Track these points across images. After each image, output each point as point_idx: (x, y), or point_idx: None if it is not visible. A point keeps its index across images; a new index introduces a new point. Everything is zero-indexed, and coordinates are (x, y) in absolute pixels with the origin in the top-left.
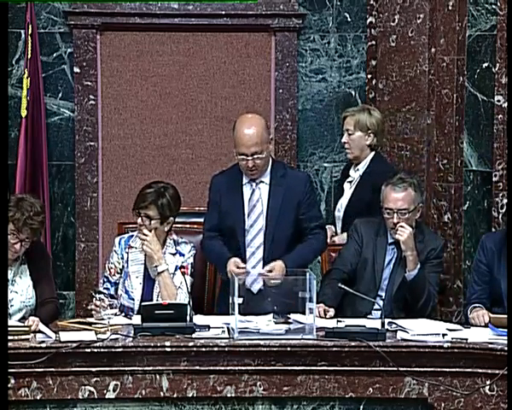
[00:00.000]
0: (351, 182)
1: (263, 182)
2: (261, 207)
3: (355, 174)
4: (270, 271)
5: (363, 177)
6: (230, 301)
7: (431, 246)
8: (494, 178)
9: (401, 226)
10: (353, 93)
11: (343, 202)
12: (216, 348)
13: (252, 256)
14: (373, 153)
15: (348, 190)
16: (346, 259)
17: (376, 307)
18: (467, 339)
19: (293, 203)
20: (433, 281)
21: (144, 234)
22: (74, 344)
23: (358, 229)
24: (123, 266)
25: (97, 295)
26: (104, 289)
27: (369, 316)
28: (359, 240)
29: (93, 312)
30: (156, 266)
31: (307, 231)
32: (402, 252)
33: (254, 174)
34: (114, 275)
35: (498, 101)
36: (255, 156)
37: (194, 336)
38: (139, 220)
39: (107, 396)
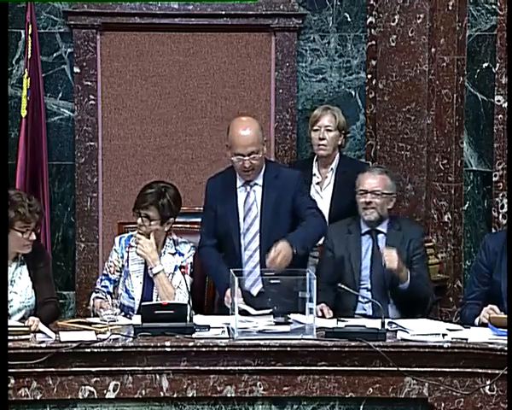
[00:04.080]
0: (319, 183)
1: (257, 184)
2: (256, 209)
3: (326, 174)
4: (277, 255)
5: (340, 177)
6: (230, 301)
7: (410, 236)
8: (494, 178)
9: (388, 254)
10: (353, 93)
11: (321, 204)
12: (216, 348)
13: (249, 260)
14: (338, 153)
15: (321, 191)
16: (324, 275)
17: (361, 300)
18: (467, 339)
19: (287, 201)
20: (425, 274)
21: (138, 237)
22: (74, 344)
23: (328, 234)
24: (122, 265)
25: (98, 294)
26: (102, 286)
27: (356, 313)
28: (330, 245)
29: (98, 311)
30: (151, 269)
31: (303, 216)
32: (378, 240)
33: (250, 175)
34: (114, 273)
35: (498, 101)
36: (252, 156)
37: (194, 336)
38: (139, 221)
39: (107, 396)
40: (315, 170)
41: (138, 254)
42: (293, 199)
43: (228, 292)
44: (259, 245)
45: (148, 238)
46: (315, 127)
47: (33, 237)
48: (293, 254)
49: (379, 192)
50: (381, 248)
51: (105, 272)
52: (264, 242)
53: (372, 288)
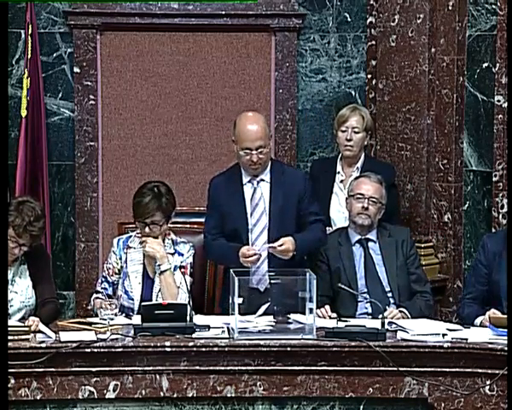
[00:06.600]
0: (342, 181)
1: (263, 180)
2: (263, 205)
3: (351, 173)
4: (281, 244)
5: None
6: (230, 300)
7: (400, 237)
8: (494, 178)
9: None
10: (353, 93)
11: (344, 202)
12: (216, 348)
13: None
14: (363, 153)
15: (345, 189)
16: (319, 288)
17: (362, 310)
18: (467, 339)
19: (294, 200)
20: (422, 276)
21: (144, 239)
22: (74, 344)
23: (321, 249)
24: (121, 267)
25: (100, 295)
26: (102, 288)
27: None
28: (324, 258)
29: (98, 310)
30: (159, 265)
31: (306, 222)
32: (369, 248)
33: (258, 169)
34: (112, 275)
35: (498, 101)
36: (259, 151)
37: (194, 336)
38: (146, 230)
39: (107, 396)
40: (339, 168)
41: (147, 253)
42: (300, 202)
43: (243, 249)
44: (267, 241)
45: (156, 238)
46: (342, 128)
47: (16, 252)
48: (293, 252)
49: (376, 200)
50: (374, 257)
51: (104, 274)
52: (272, 237)
53: (370, 296)
